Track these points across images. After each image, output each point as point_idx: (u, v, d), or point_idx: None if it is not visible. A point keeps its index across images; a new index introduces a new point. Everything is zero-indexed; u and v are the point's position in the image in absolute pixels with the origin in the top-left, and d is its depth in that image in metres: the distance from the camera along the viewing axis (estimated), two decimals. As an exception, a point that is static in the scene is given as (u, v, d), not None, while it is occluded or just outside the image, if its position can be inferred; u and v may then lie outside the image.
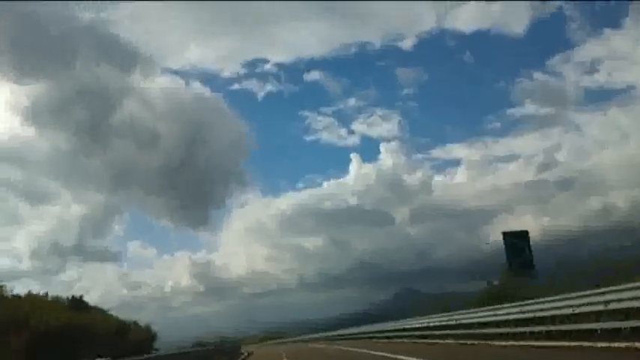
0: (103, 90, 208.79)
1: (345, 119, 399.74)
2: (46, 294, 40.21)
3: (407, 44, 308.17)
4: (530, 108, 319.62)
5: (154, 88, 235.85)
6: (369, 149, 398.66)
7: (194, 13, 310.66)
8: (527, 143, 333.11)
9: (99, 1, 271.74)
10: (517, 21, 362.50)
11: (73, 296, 51.51)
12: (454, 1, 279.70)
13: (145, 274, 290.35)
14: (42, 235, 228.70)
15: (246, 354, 40.55)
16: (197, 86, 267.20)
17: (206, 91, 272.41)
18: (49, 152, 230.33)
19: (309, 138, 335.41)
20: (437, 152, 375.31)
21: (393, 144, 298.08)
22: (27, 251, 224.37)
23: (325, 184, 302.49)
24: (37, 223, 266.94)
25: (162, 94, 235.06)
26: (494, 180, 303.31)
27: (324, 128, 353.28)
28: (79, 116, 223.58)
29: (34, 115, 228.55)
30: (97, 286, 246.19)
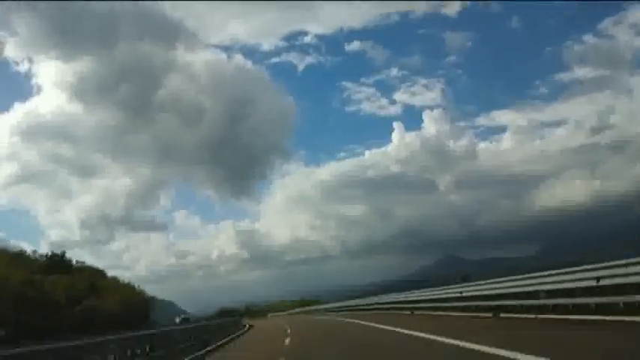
0: (147, 65, 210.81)
1: (386, 89, 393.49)
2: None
3: (451, 10, 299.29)
4: (579, 72, 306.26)
5: (197, 62, 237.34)
6: (411, 118, 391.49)
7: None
8: (575, 108, 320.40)
9: None
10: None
11: (52, 252, 51.13)
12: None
13: (191, 244, 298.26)
14: (91, 207, 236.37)
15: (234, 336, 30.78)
16: (239, 59, 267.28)
17: (248, 64, 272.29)
18: (96, 128, 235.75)
19: (350, 109, 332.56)
20: (482, 119, 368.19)
21: (436, 112, 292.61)
22: (78, 222, 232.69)
23: (367, 153, 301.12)
24: (87, 195, 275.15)
25: (206, 67, 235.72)
26: (541, 146, 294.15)
27: (365, 99, 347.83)
28: (124, 92, 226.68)
29: (80, 91, 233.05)
30: (144, 255, 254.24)
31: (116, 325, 31.96)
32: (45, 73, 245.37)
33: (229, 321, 44.38)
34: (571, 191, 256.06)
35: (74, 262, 54.33)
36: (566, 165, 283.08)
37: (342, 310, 53.45)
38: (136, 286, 59.44)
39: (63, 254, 52.95)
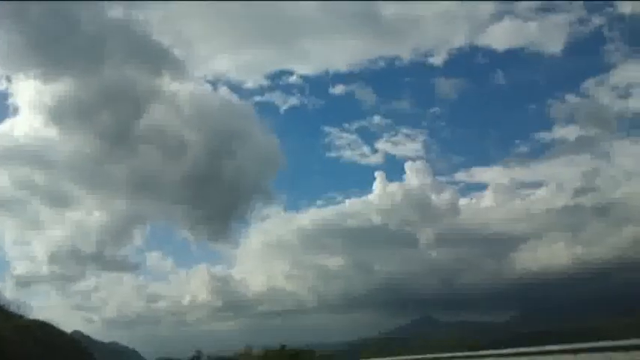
0: (130, 92, 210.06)
1: (369, 137, 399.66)
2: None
3: (437, 60, 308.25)
4: (561, 132, 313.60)
5: (182, 92, 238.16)
6: (392, 168, 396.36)
7: (223, 21, 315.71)
8: (557, 168, 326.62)
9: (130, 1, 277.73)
10: (553, 40, 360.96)
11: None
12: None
13: (162, 287, 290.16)
14: (62, 241, 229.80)
15: None
16: (226, 92, 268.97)
17: (234, 98, 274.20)
18: (72, 155, 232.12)
19: (331, 154, 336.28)
20: (464, 175, 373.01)
21: (419, 164, 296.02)
22: (46, 256, 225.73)
23: (347, 201, 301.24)
24: (58, 227, 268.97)
25: (191, 98, 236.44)
26: (522, 205, 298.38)
27: (347, 145, 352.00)
28: (105, 118, 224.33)
29: (58, 115, 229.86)
30: (114, 296, 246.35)
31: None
32: (23, 93, 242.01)
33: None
34: (553, 254, 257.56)
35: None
36: (549, 226, 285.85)
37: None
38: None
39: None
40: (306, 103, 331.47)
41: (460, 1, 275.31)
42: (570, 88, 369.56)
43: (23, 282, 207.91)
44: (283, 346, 58.50)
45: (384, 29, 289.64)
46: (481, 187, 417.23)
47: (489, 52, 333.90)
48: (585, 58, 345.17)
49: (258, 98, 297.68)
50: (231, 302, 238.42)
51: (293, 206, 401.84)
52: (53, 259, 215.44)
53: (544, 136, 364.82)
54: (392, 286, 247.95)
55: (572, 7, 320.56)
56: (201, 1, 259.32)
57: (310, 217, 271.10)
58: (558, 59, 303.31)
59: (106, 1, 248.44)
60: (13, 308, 56.48)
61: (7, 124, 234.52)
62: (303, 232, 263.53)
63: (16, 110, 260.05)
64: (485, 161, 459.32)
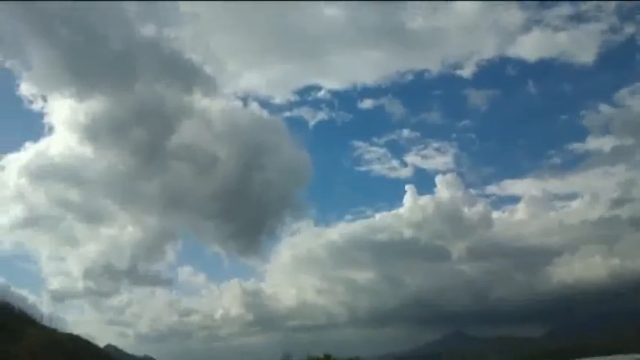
0: (162, 109, 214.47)
1: (398, 150, 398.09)
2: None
3: (466, 72, 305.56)
4: (595, 143, 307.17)
5: (213, 109, 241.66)
6: (422, 182, 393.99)
7: (250, 37, 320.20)
8: (592, 179, 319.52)
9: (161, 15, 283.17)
10: (585, 50, 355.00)
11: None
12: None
13: (195, 301, 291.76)
14: (96, 257, 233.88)
15: None
16: (256, 108, 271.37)
17: (264, 113, 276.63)
18: (106, 172, 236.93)
19: (360, 169, 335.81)
20: (495, 187, 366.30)
21: (449, 177, 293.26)
22: (81, 272, 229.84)
23: (377, 215, 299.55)
24: (92, 243, 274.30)
25: (222, 114, 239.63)
26: (557, 217, 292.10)
27: (376, 159, 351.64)
28: (137, 135, 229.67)
29: (92, 133, 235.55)
30: (148, 311, 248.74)
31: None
32: (58, 111, 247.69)
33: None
34: (588, 267, 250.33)
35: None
36: (584, 239, 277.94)
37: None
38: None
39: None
40: (335, 117, 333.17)
41: (487, 12, 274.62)
42: (604, 98, 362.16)
43: (58, 297, 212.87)
44: (328, 356, 58.48)
45: (411, 42, 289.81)
46: (513, 199, 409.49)
47: (520, 63, 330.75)
48: (618, 66, 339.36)
49: (287, 114, 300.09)
50: (262, 316, 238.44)
51: (322, 220, 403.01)
52: (88, 274, 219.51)
53: (577, 147, 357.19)
54: (423, 300, 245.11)
55: (604, 16, 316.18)
56: (230, 18, 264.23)
57: (340, 231, 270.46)
58: (590, 69, 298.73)
59: (138, 20, 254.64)
60: (45, 322, 58.02)
61: (43, 142, 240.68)
62: (333, 246, 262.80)
63: (51, 129, 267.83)
64: (517, 173, 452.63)
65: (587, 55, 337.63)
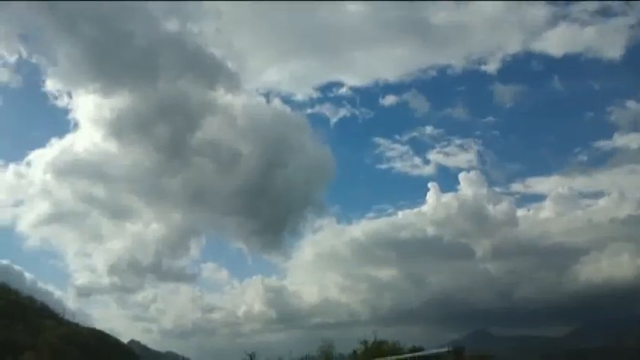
0: (186, 105, 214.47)
1: (420, 148, 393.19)
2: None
3: (491, 68, 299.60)
4: (622, 140, 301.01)
5: (236, 105, 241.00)
6: (444, 179, 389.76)
7: (272, 33, 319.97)
8: (619, 177, 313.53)
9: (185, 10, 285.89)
10: (612, 45, 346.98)
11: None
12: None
13: (218, 298, 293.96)
14: (121, 253, 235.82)
15: None
16: (278, 104, 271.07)
17: (287, 109, 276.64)
18: (131, 168, 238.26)
19: (382, 166, 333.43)
20: (520, 185, 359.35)
21: (473, 174, 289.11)
22: (106, 267, 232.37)
23: (400, 213, 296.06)
24: (117, 239, 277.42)
25: (245, 110, 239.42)
26: (584, 216, 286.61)
27: (398, 156, 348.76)
28: (161, 131, 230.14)
29: (117, 129, 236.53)
30: (172, 307, 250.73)
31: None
32: (83, 107, 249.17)
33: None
34: (616, 266, 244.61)
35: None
36: (612, 237, 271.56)
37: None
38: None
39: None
40: (357, 114, 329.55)
41: (512, 7, 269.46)
42: (631, 94, 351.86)
43: (84, 292, 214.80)
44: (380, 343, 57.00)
45: (434, 37, 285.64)
46: (539, 197, 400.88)
47: (545, 58, 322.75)
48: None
49: (309, 110, 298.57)
50: (285, 313, 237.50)
51: (344, 218, 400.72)
52: (113, 270, 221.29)
53: (604, 144, 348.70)
54: (446, 298, 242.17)
55: (631, 10, 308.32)
56: (252, 14, 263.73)
57: (362, 228, 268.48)
58: (618, 64, 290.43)
59: (161, 15, 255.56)
60: (69, 317, 58.00)
61: (68, 138, 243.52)
62: (356, 244, 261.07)
63: (76, 125, 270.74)
64: (543, 171, 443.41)
65: (614, 51, 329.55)
